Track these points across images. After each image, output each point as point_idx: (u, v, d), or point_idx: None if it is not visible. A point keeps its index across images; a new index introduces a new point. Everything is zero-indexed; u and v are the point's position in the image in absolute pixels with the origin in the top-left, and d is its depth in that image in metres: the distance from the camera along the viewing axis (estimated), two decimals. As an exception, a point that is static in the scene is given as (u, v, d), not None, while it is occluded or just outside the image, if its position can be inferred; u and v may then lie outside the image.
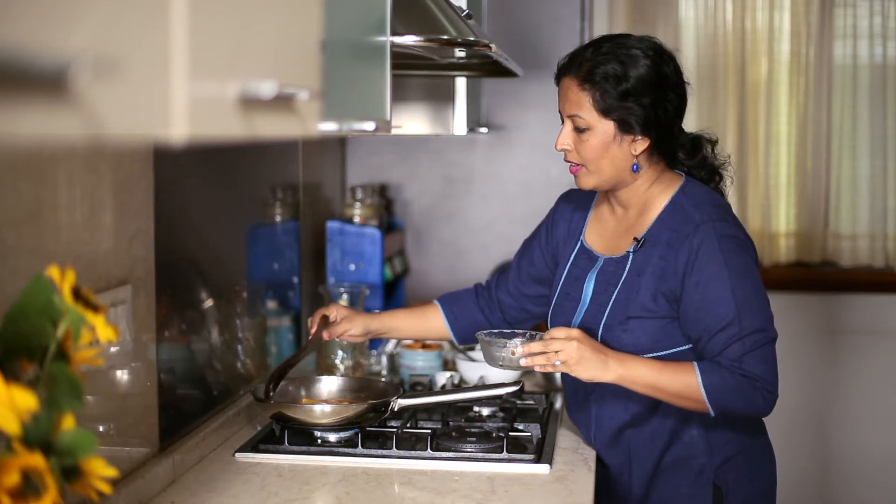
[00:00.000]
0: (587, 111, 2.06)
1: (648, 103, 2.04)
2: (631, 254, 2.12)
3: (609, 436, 2.17)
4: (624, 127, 2.05)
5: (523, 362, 2.01)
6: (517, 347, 2.02)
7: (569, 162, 2.13)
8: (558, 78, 2.13)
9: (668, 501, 2.15)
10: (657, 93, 2.05)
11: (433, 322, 2.41)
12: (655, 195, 2.14)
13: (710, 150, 2.20)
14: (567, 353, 1.98)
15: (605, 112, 2.05)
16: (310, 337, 2.31)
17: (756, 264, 2.08)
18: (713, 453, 2.12)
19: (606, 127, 2.05)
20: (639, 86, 2.03)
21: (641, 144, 2.07)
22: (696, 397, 1.99)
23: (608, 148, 2.06)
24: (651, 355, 2.05)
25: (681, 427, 2.12)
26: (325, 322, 2.30)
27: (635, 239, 2.12)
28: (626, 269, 2.12)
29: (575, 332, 1.99)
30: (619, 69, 2.03)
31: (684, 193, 2.12)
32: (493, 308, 2.41)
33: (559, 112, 2.12)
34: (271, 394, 2.17)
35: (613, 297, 2.11)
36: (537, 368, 2.01)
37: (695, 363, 2.00)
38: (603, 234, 2.22)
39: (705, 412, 2.01)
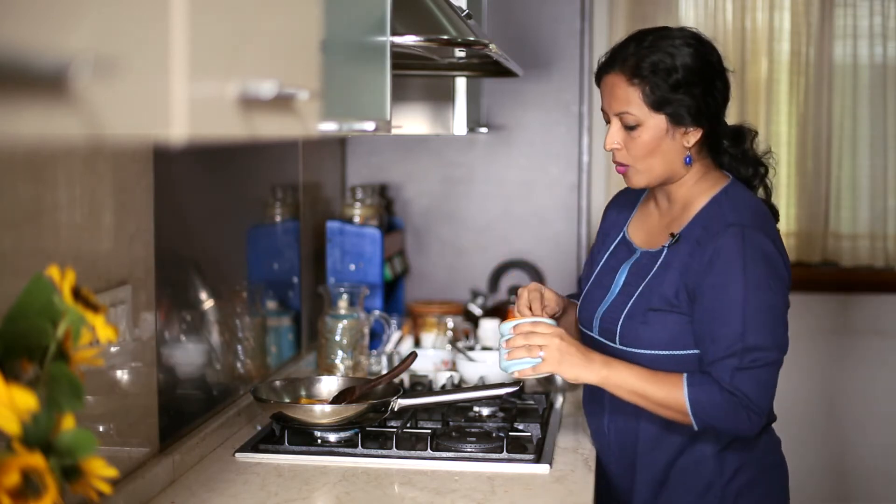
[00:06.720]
0: (637, 107, 2.01)
1: (699, 93, 2.00)
2: (665, 249, 2.08)
3: (619, 437, 2.14)
4: (676, 119, 2.01)
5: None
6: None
7: (616, 162, 2.08)
8: (600, 76, 2.08)
9: None
10: (706, 81, 2.02)
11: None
12: (699, 193, 2.09)
13: (749, 143, 2.15)
14: (551, 347, 1.98)
15: (656, 106, 2.00)
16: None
17: (783, 284, 1.99)
18: (723, 472, 2.06)
19: (658, 121, 2.01)
20: (688, 75, 1.99)
21: (694, 136, 2.03)
22: (681, 409, 1.95)
23: (660, 143, 2.03)
24: (667, 353, 2.01)
25: (690, 443, 2.07)
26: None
27: (671, 234, 2.08)
28: (658, 263, 2.08)
29: (559, 329, 2.01)
30: (668, 60, 1.99)
31: (726, 194, 2.07)
32: None
33: (603, 111, 2.07)
34: None
35: (640, 289, 2.08)
36: (520, 371, 2.02)
37: (685, 374, 1.97)
38: (645, 228, 2.19)
39: (689, 425, 1.98)
